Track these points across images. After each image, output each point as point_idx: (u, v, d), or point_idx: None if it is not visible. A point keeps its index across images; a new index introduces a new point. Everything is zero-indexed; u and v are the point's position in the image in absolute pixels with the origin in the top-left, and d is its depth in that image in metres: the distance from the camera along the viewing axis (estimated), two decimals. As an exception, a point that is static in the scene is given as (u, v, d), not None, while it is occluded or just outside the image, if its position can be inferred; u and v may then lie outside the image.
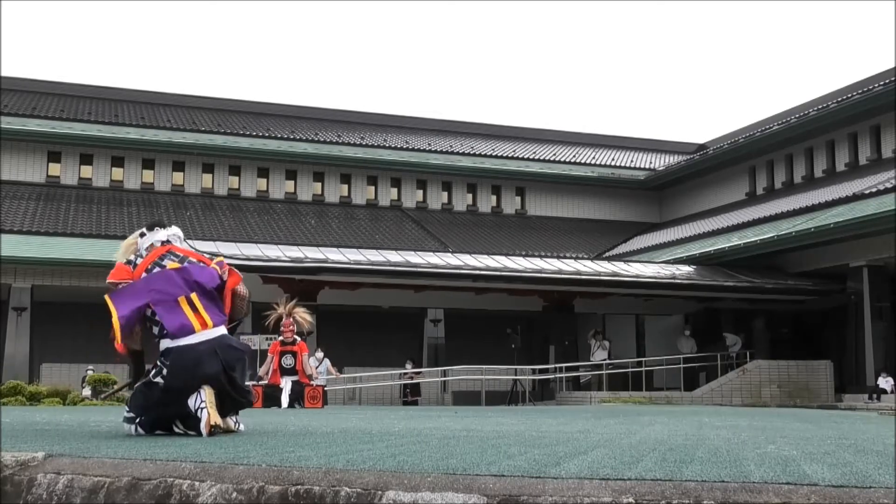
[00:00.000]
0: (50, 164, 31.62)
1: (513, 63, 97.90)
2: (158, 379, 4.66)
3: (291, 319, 13.69)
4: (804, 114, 30.82)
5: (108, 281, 4.90)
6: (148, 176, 32.67)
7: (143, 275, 4.83)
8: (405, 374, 23.50)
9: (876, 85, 27.66)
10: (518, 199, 37.03)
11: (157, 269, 4.85)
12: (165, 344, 4.65)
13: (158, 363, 4.71)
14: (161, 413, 4.70)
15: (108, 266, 5.05)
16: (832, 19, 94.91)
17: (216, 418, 4.53)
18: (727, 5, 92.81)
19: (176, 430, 4.72)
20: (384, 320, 27.20)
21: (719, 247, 25.65)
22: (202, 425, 4.45)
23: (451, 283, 22.83)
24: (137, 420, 4.71)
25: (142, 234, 5.12)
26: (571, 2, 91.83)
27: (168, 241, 5.09)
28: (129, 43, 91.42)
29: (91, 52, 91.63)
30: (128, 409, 4.82)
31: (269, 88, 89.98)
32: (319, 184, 34.71)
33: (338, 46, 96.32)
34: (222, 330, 4.75)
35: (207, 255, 5.21)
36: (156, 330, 4.73)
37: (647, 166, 39.50)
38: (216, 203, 32.20)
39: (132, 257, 5.01)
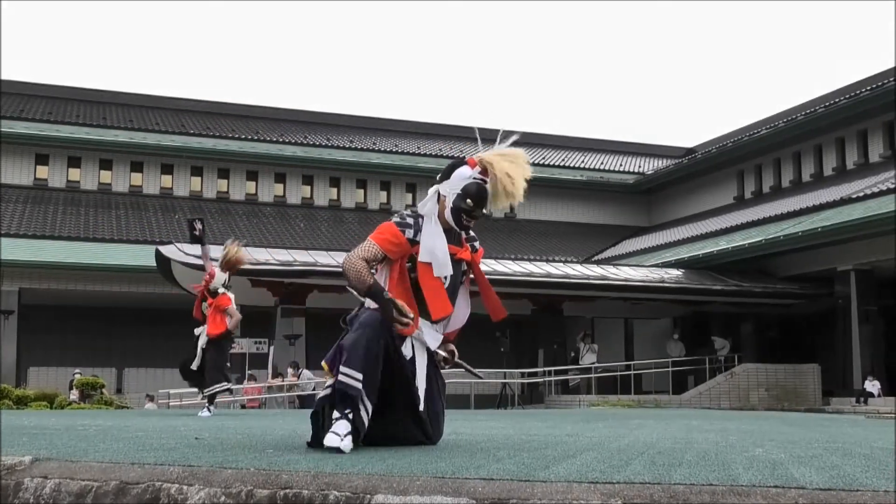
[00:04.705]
0: (37, 167, 31.43)
1: (502, 67, 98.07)
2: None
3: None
4: (792, 118, 30.90)
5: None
6: (136, 179, 32.53)
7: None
8: (394, 377, 23.43)
9: (863, 90, 27.75)
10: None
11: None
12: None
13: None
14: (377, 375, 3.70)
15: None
16: (821, 24, 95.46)
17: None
18: (716, 9, 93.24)
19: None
20: (373, 324, 27.15)
21: (708, 250, 25.69)
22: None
23: (440, 286, 22.76)
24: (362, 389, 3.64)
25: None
26: (561, 3, 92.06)
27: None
28: (117, 45, 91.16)
29: (79, 55, 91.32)
30: (347, 365, 3.69)
31: (259, 91, 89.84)
32: (308, 187, 34.64)
33: (328, 49, 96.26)
34: None
35: None
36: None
37: (635, 170, 39.58)
38: (205, 206, 32.07)
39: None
